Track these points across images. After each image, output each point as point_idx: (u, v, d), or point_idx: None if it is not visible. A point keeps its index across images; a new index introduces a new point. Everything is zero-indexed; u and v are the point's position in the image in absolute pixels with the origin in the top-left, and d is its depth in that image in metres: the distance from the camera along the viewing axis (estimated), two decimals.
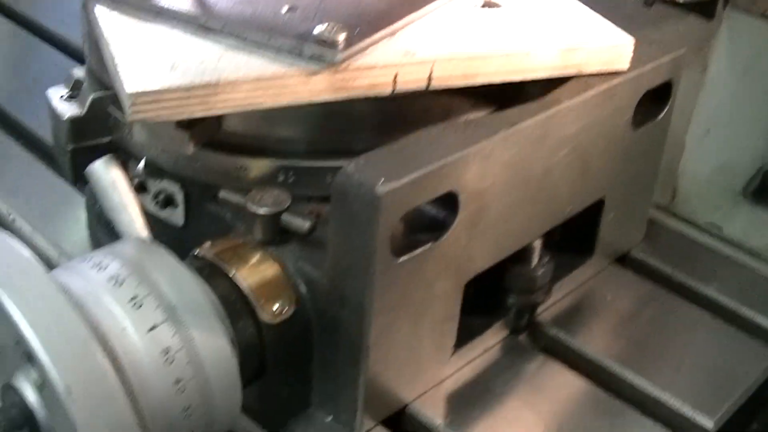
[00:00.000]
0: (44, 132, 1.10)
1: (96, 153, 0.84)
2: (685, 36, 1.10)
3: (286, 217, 0.73)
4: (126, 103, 0.69)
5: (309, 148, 0.79)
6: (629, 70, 0.85)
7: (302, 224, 0.73)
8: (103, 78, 0.84)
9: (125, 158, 0.84)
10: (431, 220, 0.75)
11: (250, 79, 0.71)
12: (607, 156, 0.88)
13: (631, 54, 0.84)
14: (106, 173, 0.73)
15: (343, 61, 0.73)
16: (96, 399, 0.59)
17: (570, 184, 0.85)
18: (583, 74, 0.83)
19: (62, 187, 1.03)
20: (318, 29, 0.74)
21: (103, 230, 0.91)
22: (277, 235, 0.74)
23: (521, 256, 0.84)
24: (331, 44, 0.73)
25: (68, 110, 0.84)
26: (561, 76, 0.82)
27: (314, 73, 0.72)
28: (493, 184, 0.75)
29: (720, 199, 1.20)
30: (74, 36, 1.35)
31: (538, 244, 0.85)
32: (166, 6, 0.78)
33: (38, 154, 1.10)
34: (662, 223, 1.08)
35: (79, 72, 0.88)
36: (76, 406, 0.58)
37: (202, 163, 0.79)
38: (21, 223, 0.97)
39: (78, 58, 1.28)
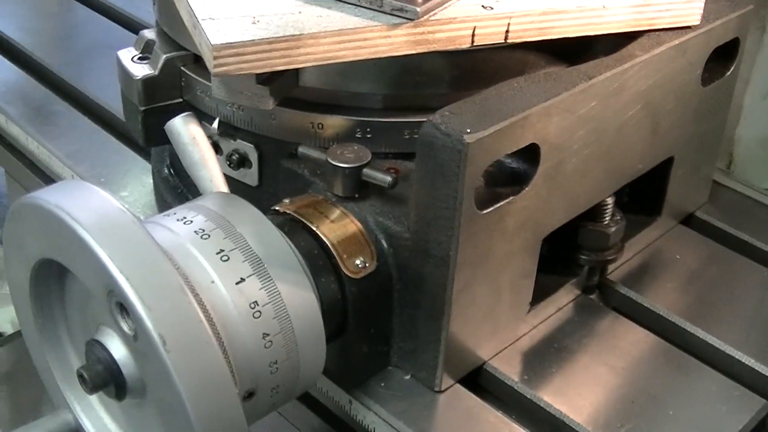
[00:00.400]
0: (103, 97, 1.10)
1: (168, 114, 0.84)
2: None
3: (368, 172, 0.73)
4: (209, 55, 0.69)
5: (386, 104, 0.79)
6: (699, 26, 0.85)
7: (384, 178, 0.72)
8: (175, 38, 0.85)
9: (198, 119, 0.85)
10: (510, 174, 0.75)
11: (332, 32, 0.70)
12: (677, 113, 0.87)
13: (701, 10, 0.84)
14: (186, 129, 0.73)
15: (423, 14, 0.72)
16: (190, 348, 0.59)
17: (641, 140, 0.84)
18: (654, 29, 0.82)
19: (125, 152, 1.03)
20: None
21: (172, 194, 0.91)
22: (357, 190, 0.74)
23: (594, 213, 0.84)
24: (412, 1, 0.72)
25: (140, 71, 0.84)
26: (634, 30, 0.81)
27: (395, 27, 0.72)
28: (571, 137, 0.75)
29: None
30: (124, 5, 1.35)
31: (610, 202, 0.85)
32: None
33: (97, 121, 1.10)
34: (723, 185, 1.07)
35: (149, 33, 0.88)
36: (172, 354, 0.58)
37: (278, 121, 0.79)
38: None
39: (129, 26, 1.29)
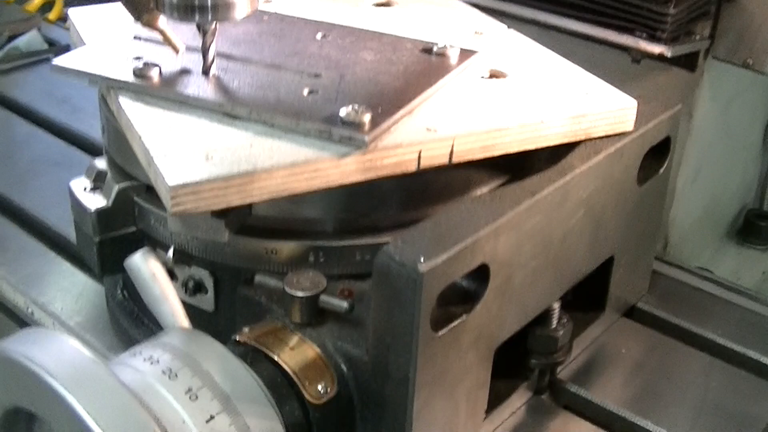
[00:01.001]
0: (52, 217, 1.11)
1: (122, 243, 0.86)
2: (674, 88, 1.14)
3: (325, 299, 0.75)
4: (166, 196, 0.70)
5: (337, 227, 0.81)
6: (633, 130, 0.89)
7: (341, 304, 0.74)
8: (126, 168, 0.86)
9: (151, 246, 0.86)
10: (462, 292, 0.77)
11: (285, 165, 0.73)
12: (617, 214, 0.91)
13: (635, 115, 0.88)
14: (146, 266, 0.75)
15: (371, 142, 0.75)
16: None
17: (585, 244, 0.88)
18: (591, 138, 0.86)
19: (77, 275, 1.04)
20: (343, 111, 0.76)
21: (127, 318, 0.92)
22: (315, 316, 0.76)
23: (542, 318, 0.87)
24: (359, 127, 0.75)
25: (93, 202, 0.85)
26: (571, 141, 0.85)
27: (344, 156, 0.74)
28: (519, 252, 0.78)
29: (708, 242, 1.24)
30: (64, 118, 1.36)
31: (557, 306, 0.87)
32: (191, 94, 0.80)
33: (47, 242, 1.10)
34: (661, 273, 1.11)
35: (100, 163, 0.89)
36: None
37: (232, 248, 0.80)
38: (40, 315, 0.98)
39: (72, 141, 1.30)
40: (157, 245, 0.85)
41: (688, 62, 1.15)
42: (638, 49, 1.08)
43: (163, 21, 0.85)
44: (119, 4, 1.01)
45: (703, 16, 1.11)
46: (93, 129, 1.33)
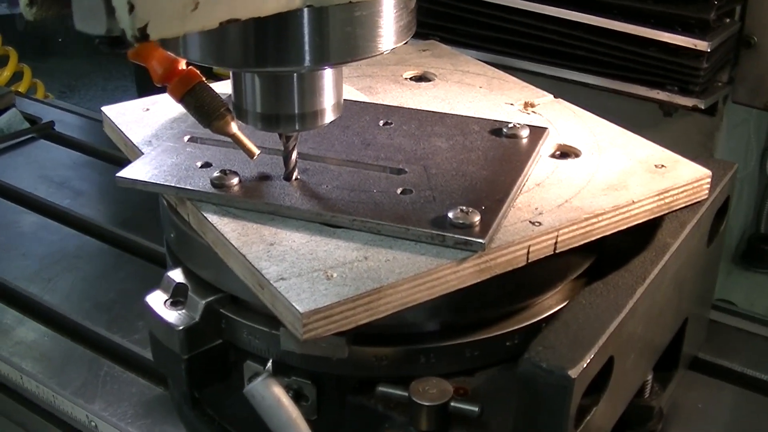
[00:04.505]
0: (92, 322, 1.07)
1: (209, 356, 0.83)
2: (700, 135, 1.16)
3: (455, 405, 0.74)
4: (295, 323, 0.68)
5: (446, 328, 0.80)
6: (708, 197, 0.89)
7: (473, 410, 0.73)
8: (206, 277, 0.84)
9: (240, 358, 0.84)
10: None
11: (408, 278, 0.71)
12: (692, 278, 0.91)
13: (709, 184, 0.88)
14: (269, 392, 0.73)
15: (487, 245, 0.74)
16: None
17: (672, 315, 0.88)
18: (672, 210, 0.86)
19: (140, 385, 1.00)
20: (452, 213, 0.75)
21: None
22: (443, 424, 0.74)
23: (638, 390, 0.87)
24: (471, 229, 0.74)
25: (179, 320, 0.82)
26: (656, 216, 0.85)
27: (462, 261, 0.73)
28: (633, 338, 0.78)
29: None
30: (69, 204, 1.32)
31: (650, 377, 0.88)
32: (284, 204, 0.78)
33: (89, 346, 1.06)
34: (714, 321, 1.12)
35: (175, 275, 0.86)
36: None
37: (339, 359, 0.78)
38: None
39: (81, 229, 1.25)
40: (248, 357, 0.83)
41: (708, 108, 1.16)
42: (671, 103, 1.09)
43: (234, 125, 0.83)
44: (155, 98, 1.00)
45: (726, 64, 1.13)
46: (101, 215, 1.29)
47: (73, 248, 1.23)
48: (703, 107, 1.08)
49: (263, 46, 0.70)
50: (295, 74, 0.76)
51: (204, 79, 0.83)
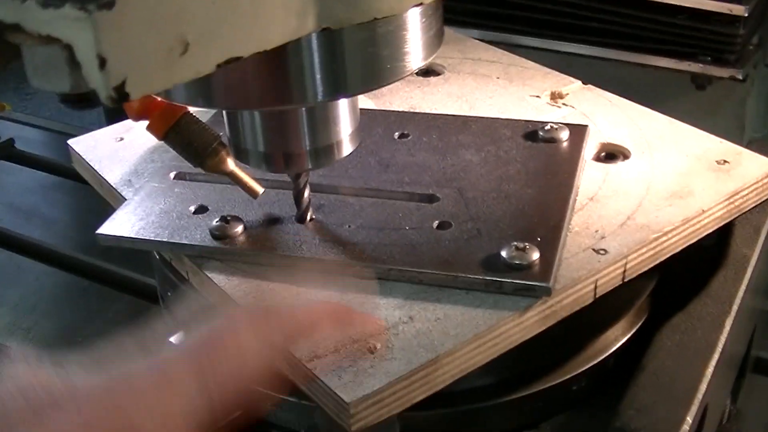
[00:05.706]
0: None
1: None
2: (735, 105, 1.05)
3: None
4: (342, 414, 0.57)
5: (502, 381, 0.69)
6: None
7: None
8: None
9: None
10: None
11: (467, 340, 0.60)
12: (764, 281, 0.81)
13: None
14: None
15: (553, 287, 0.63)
16: None
17: (747, 325, 0.79)
18: (741, 213, 0.76)
19: None
20: (505, 252, 0.64)
21: None
22: None
23: None
24: (531, 270, 0.63)
25: None
26: (726, 222, 0.74)
27: (525, 310, 0.62)
28: (722, 373, 0.67)
29: None
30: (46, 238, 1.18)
31: (728, 402, 0.78)
32: (301, 255, 0.66)
33: None
34: None
35: (177, 340, 0.74)
36: None
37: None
38: None
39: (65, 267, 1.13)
40: (272, 429, 0.71)
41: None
42: (705, 75, 0.97)
43: (230, 161, 0.71)
44: (129, 123, 0.87)
45: (758, 27, 1.01)
46: (78, 246, 1.16)
47: (51, 288, 1.10)
48: (741, 77, 0.97)
49: (266, 83, 0.58)
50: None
51: (188, 109, 0.70)
